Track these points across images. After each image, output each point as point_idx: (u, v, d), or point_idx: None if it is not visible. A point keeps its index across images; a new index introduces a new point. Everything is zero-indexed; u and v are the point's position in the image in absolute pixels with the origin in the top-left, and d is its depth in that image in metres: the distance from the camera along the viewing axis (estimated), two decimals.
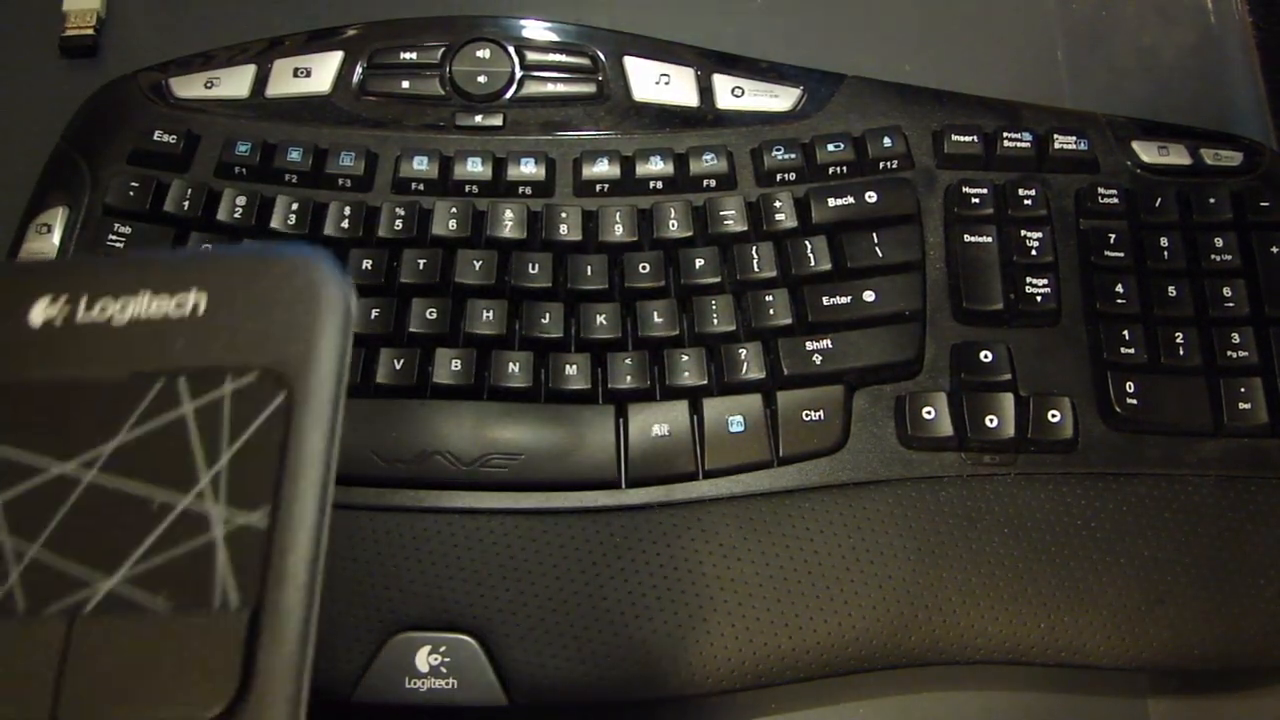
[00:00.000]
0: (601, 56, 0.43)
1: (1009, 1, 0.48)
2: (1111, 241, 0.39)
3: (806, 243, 0.39)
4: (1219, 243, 0.39)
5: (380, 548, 0.36)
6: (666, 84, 0.42)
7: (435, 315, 0.38)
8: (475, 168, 0.40)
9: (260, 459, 0.19)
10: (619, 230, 0.39)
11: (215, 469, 0.19)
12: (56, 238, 0.38)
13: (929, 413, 0.37)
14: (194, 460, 0.19)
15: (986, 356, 0.38)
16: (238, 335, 0.20)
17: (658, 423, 0.37)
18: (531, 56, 0.42)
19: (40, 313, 0.20)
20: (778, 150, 0.40)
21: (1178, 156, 0.41)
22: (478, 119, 0.42)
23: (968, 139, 0.41)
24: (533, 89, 0.42)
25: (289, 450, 0.19)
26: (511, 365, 0.37)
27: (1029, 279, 0.39)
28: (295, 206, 0.39)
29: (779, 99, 0.42)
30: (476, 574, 0.36)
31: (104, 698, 0.18)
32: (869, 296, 0.38)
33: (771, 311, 0.38)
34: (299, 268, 0.20)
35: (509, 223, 0.39)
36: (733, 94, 0.42)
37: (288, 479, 0.19)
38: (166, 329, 0.20)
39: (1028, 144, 0.41)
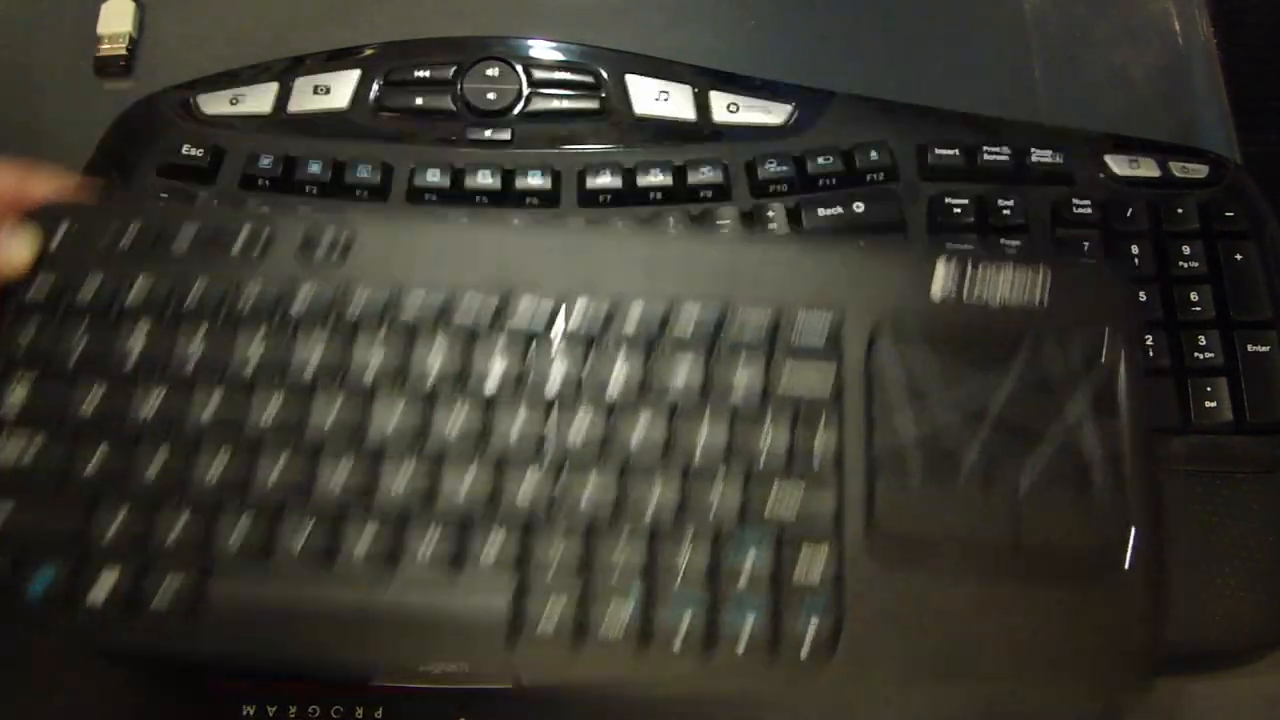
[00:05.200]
0: (604, 74, 0.44)
1: (989, 23, 0.49)
2: (1085, 249, 0.41)
3: None
4: (1186, 250, 0.41)
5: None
6: (666, 100, 0.44)
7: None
8: (485, 179, 0.42)
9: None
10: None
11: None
12: None
13: None
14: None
15: None
16: (1070, 318, 0.32)
17: None
18: (538, 74, 0.44)
19: (939, 288, 0.32)
20: (771, 163, 0.42)
21: (1148, 169, 0.43)
22: (488, 133, 0.43)
23: (950, 152, 0.42)
24: (540, 105, 0.44)
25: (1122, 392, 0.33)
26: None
27: None
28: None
29: (772, 114, 0.44)
30: None
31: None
32: None
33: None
34: (1102, 277, 0.34)
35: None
36: (728, 110, 0.44)
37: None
38: (1017, 313, 0.32)
39: (1007, 157, 0.42)
